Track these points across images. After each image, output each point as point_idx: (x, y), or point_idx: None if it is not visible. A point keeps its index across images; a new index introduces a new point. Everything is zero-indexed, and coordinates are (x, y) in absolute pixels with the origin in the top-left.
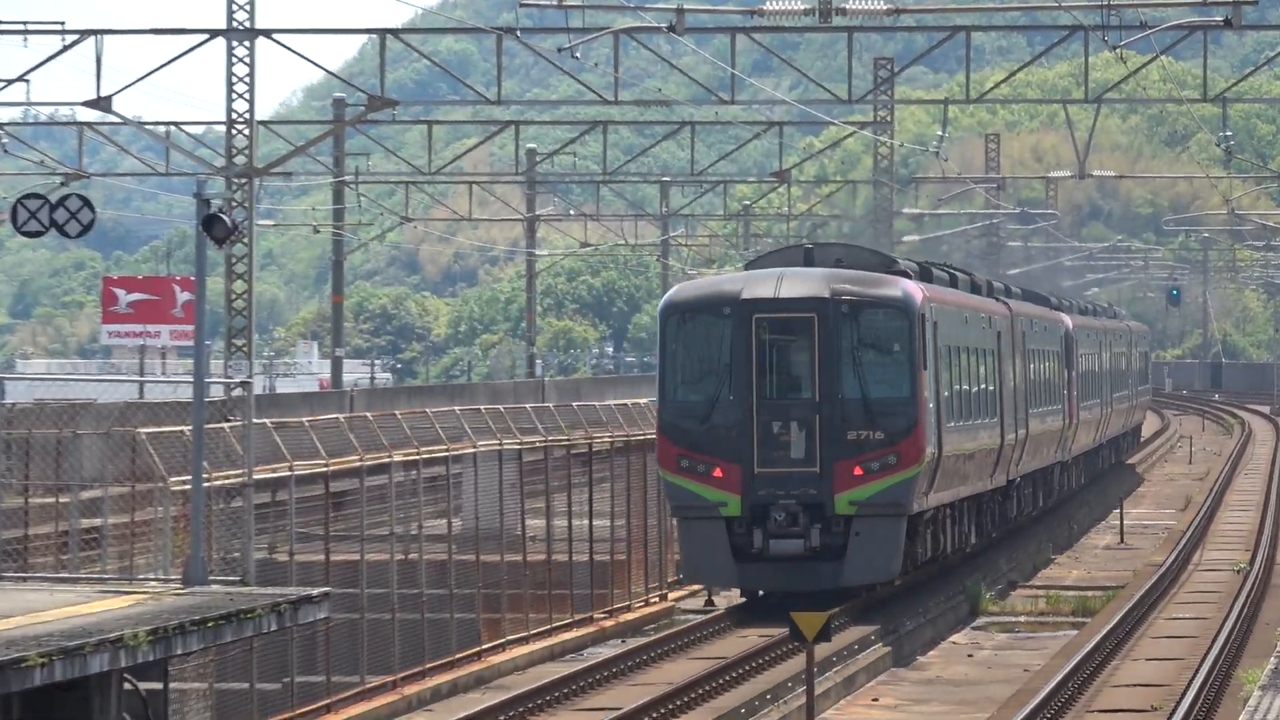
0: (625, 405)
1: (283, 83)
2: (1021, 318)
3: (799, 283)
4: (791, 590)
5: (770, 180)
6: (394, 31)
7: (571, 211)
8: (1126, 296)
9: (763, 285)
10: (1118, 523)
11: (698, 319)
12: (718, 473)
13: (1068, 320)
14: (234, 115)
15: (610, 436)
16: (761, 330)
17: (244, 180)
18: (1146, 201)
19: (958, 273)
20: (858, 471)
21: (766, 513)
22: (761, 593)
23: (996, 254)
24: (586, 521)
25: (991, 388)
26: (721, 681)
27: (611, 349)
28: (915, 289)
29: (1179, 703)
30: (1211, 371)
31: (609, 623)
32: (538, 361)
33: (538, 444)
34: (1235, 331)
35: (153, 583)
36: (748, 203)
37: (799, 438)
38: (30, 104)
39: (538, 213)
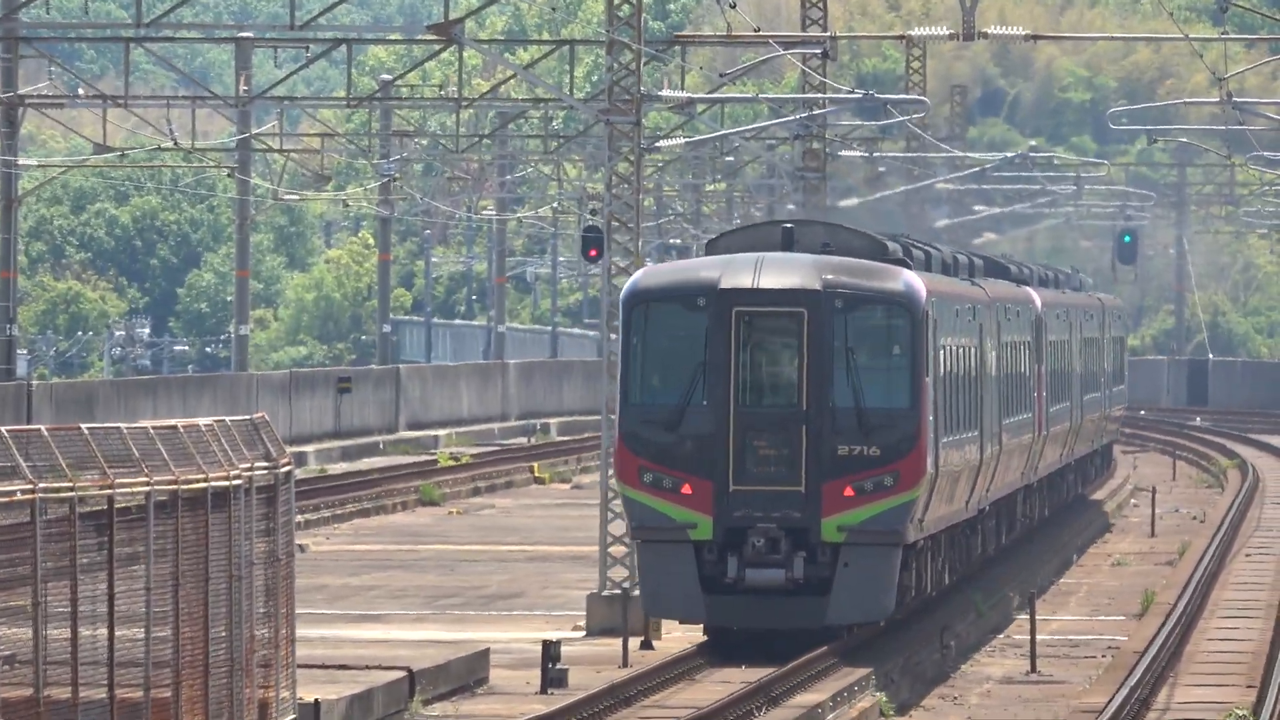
0: (174, 429)
1: None
2: (997, 303)
3: (786, 272)
4: (769, 628)
5: (428, 40)
6: None
7: (81, 91)
8: (1045, 246)
9: (744, 273)
10: (1025, 635)
11: (667, 310)
12: (686, 489)
13: (1036, 299)
14: None
15: (149, 483)
16: (742, 326)
17: None
18: (1080, 82)
19: (929, 249)
20: (848, 493)
21: (743, 537)
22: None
23: (820, 171)
24: (104, 630)
25: (973, 393)
26: None
27: (149, 330)
28: (918, 282)
29: None
30: (1190, 376)
31: None
32: (20, 352)
33: (19, 496)
34: (1230, 307)
35: None
36: (388, 77)
37: (782, 452)
38: None
39: (20, 92)
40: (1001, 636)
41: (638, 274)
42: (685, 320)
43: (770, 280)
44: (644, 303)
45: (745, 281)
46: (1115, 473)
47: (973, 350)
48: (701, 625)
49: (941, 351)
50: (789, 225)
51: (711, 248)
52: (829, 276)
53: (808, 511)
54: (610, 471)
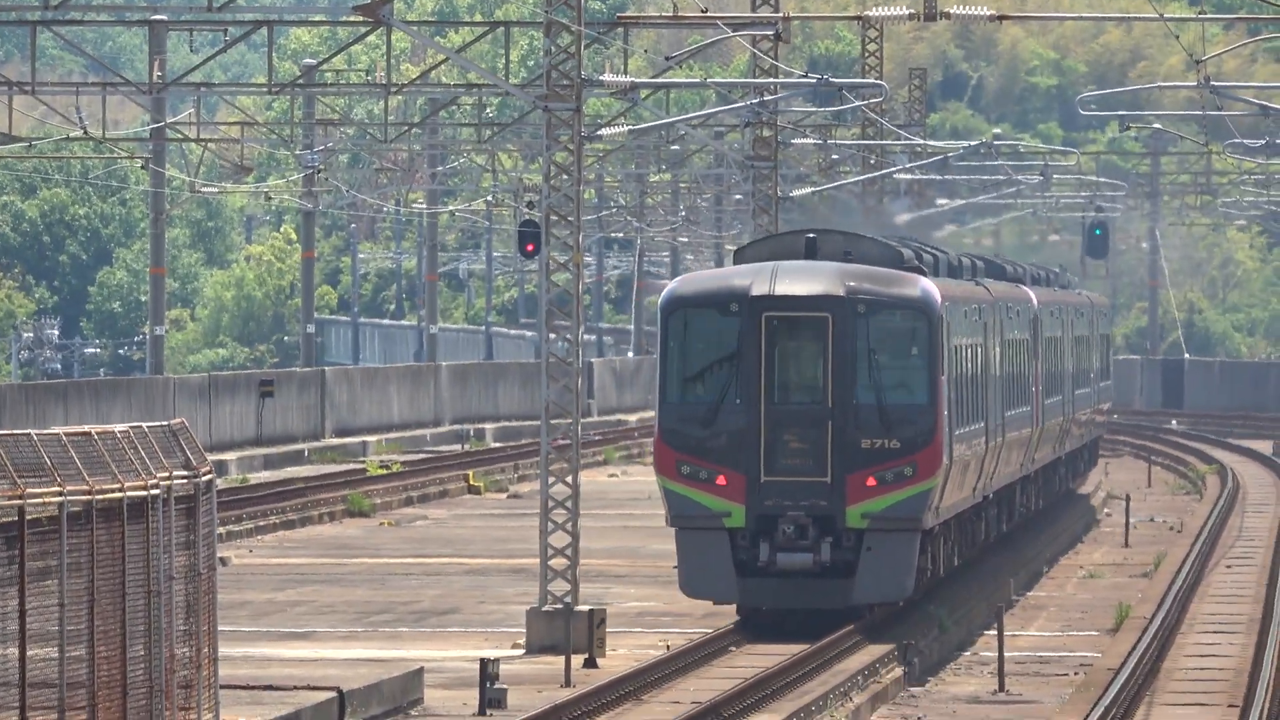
0: (87, 436)
1: None
2: (1000, 303)
3: (812, 279)
4: (797, 608)
5: (354, 22)
6: None
7: None
8: (1011, 241)
9: (773, 281)
10: (993, 651)
11: (702, 315)
12: (721, 480)
13: (1033, 298)
14: None
15: (61, 493)
16: (772, 329)
17: None
18: (1047, 65)
19: (936, 253)
20: (871, 482)
21: (773, 524)
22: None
23: (771, 160)
24: (15, 649)
25: (980, 388)
26: None
27: (58, 331)
28: (933, 288)
29: None
30: (1165, 377)
31: None
32: None
33: None
34: (1208, 304)
35: None
36: (312, 62)
37: (809, 445)
38: None
39: None
40: (968, 653)
41: (674, 282)
42: (719, 324)
43: (797, 287)
44: (680, 308)
45: (773, 289)
46: (1088, 479)
47: (979, 348)
48: (659, 644)
49: (954, 351)
50: (812, 235)
51: (739, 256)
52: (851, 283)
53: (833, 500)
54: (550, 480)
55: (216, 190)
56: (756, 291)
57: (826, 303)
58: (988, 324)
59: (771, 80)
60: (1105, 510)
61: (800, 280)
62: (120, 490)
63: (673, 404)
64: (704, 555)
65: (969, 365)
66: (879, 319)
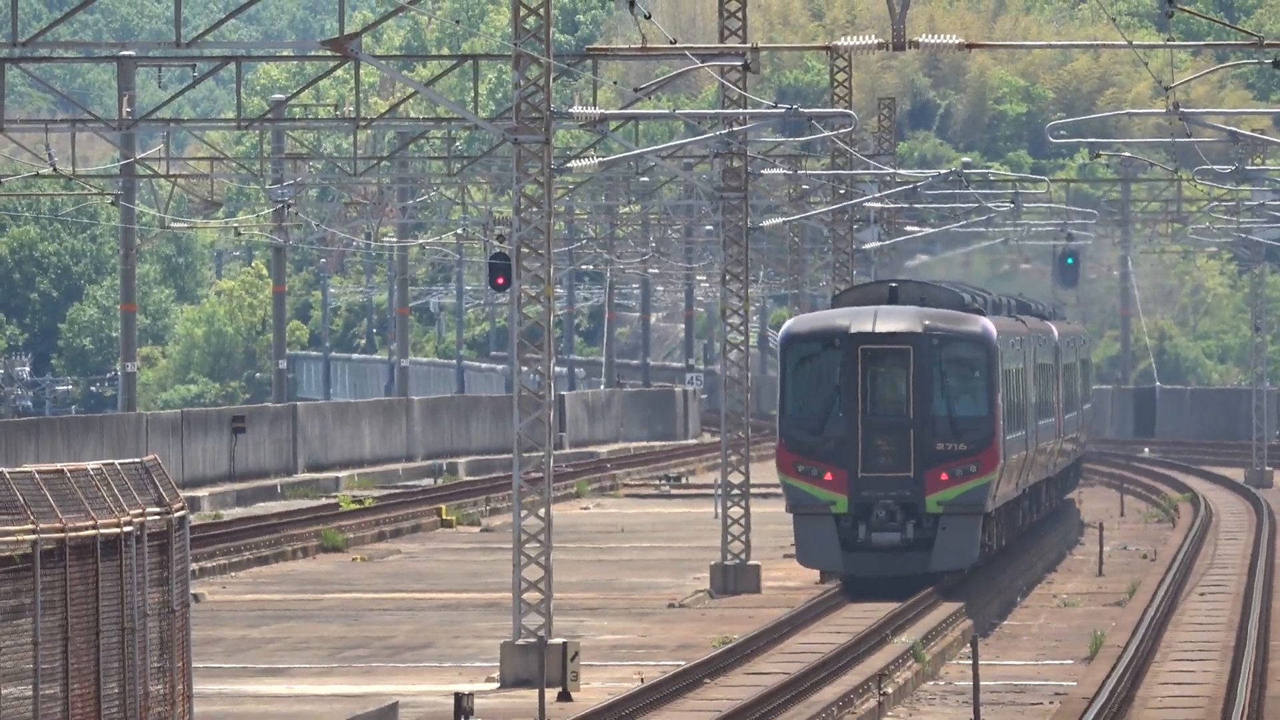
0: (60, 473)
1: None
2: (1033, 335)
3: (896, 320)
4: (889, 575)
5: (322, 56)
6: None
7: None
8: (981, 272)
9: (866, 321)
10: (967, 680)
11: (812, 348)
12: (828, 476)
13: (1055, 330)
14: None
15: (34, 531)
16: (866, 359)
17: None
18: (1015, 93)
19: (984, 294)
20: (944, 477)
21: (869, 510)
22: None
23: (741, 190)
24: None
25: (1022, 404)
26: None
27: (29, 369)
28: (991, 325)
29: None
30: (1137, 405)
31: None
32: None
33: None
34: (1178, 331)
35: None
36: (280, 97)
37: (897, 448)
38: None
39: None
40: (942, 683)
41: (789, 322)
42: (826, 355)
43: (885, 326)
44: (796, 343)
45: (867, 327)
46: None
47: (1022, 372)
48: (633, 676)
49: (1005, 374)
50: (894, 284)
51: (836, 301)
52: (928, 322)
53: (916, 491)
54: (523, 513)
55: (186, 226)
56: (854, 329)
57: (909, 338)
58: (1026, 352)
59: (740, 111)
60: (1079, 539)
61: (887, 320)
62: (93, 527)
63: (790, 417)
64: (815, 535)
65: (1015, 385)
66: (950, 349)
